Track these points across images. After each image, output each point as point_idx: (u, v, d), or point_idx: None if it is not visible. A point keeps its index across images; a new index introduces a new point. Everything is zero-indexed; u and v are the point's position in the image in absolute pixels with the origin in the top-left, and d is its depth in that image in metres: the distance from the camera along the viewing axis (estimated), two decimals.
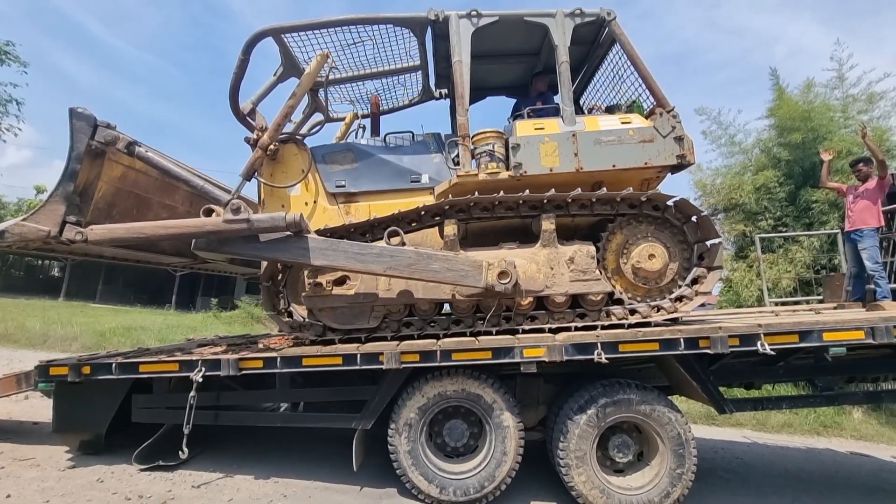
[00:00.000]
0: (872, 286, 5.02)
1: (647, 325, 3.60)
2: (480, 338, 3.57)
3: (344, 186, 4.33)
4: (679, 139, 3.86)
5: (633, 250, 3.68)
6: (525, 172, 3.86)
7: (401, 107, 5.57)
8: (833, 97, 11.77)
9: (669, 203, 3.68)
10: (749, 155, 12.36)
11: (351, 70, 4.86)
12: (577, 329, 3.66)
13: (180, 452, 3.59)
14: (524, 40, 4.64)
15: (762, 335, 3.39)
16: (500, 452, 3.55)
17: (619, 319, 3.64)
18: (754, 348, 3.38)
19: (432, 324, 3.77)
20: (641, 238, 3.70)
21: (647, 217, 3.75)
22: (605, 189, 3.69)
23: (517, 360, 3.42)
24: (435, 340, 3.56)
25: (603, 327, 3.60)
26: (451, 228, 3.69)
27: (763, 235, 9.54)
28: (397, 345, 3.49)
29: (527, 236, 3.93)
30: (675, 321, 3.68)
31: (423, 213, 3.77)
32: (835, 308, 5.14)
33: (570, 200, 3.71)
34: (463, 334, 3.73)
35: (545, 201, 3.70)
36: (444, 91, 5.37)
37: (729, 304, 10.60)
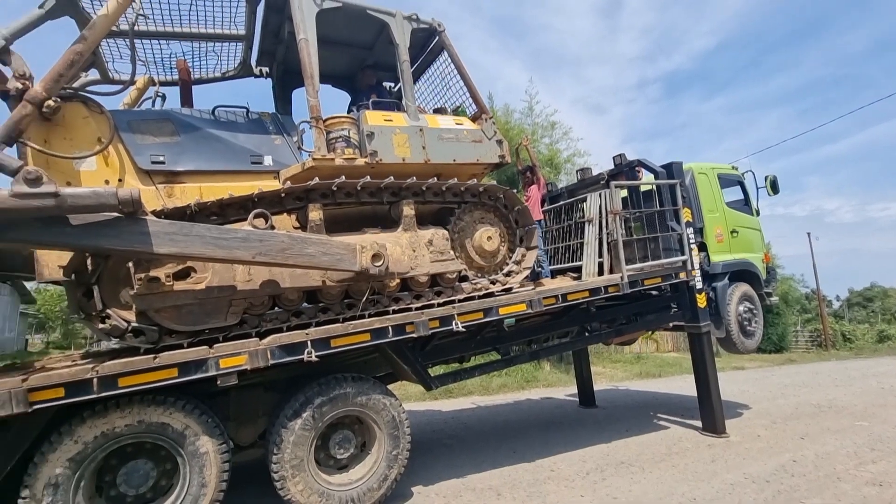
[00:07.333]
0: (537, 268, 6.14)
1: (492, 295, 4.26)
2: (161, 354, 2.99)
3: (163, 163, 3.56)
4: (500, 142, 4.67)
5: (476, 233, 4.29)
6: (381, 160, 4.01)
7: (211, 79, 4.86)
8: (526, 123, 16.02)
9: (500, 195, 4.43)
10: None
11: (157, 24, 4.00)
12: (290, 328, 3.46)
13: None
14: (360, 32, 4.74)
15: (456, 315, 3.85)
16: (197, 486, 3.09)
17: (469, 293, 4.18)
18: (451, 327, 3.82)
19: (301, 315, 3.52)
20: (481, 223, 4.34)
21: (484, 205, 4.42)
22: (453, 180, 4.17)
23: (213, 373, 3.04)
24: (90, 366, 2.82)
25: (460, 300, 4.06)
26: (316, 213, 3.53)
27: None
28: (23, 380, 2.64)
29: (378, 223, 4.03)
30: (509, 290, 4.45)
31: (283, 195, 3.48)
32: None
33: (424, 188, 4.05)
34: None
35: (404, 188, 3.94)
36: (266, 69, 4.98)
37: None
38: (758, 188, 7.09)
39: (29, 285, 23.28)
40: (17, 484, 2.77)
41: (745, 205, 7.01)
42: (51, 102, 3.08)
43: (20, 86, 3.03)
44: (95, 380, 2.78)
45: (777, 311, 19.66)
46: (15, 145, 3.07)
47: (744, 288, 6.49)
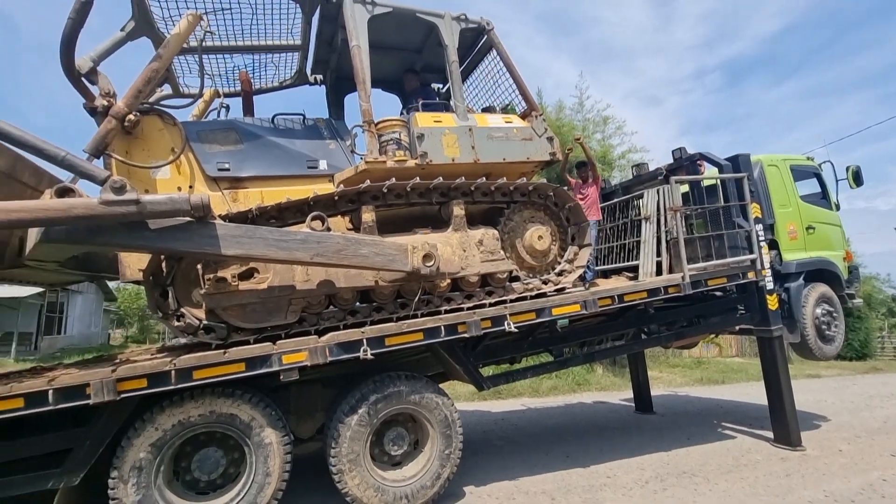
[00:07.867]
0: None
1: (544, 295, 4.18)
2: (230, 349, 3.18)
3: (228, 170, 3.78)
4: (550, 139, 4.58)
5: (526, 232, 4.22)
6: (430, 161, 4.03)
7: (270, 88, 5.10)
8: (576, 119, 15.53)
9: (550, 193, 4.34)
10: None
11: (222, 39, 4.25)
12: (345, 327, 3.58)
13: None
14: (410, 35, 4.80)
15: (508, 315, 3.85)
16: (262, 475, 3.26)
17: (521, 293, 4.12)
18: (502, 327, 3.82)
19: (355, 313, 3.62)
20: (532, 222, 4.27)
21: (534, 204, 4.35)
22: (502, 179, 4.13)
23: (276, 368, 3.19)
24: (168, 359, 3.08)
25: (511, 300, 4.02)
26: (369, 215, 3.62)
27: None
28: (112, 371, 2.90)
29: (429, 223, 4.07)
30: (561, 290, 4.35)
31: (336, 198, 3.59)
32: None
33: (473, 188, 4.04)
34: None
35: (453, 188, 3.95)
36: (320, 77, 5.15)
37: None
38: (837, 180, 6.52)
39: (111, 284, 25.57)
40: (105, 466, 3.04)
41: (822, 198, 6.46)
42: (131, 117, 3.35)
43: (106, 103, 3.31)
44: (173, 372, 3.01)
45: (859, 314, 17.96)
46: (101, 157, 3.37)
47: (822, 289, 5.98)
